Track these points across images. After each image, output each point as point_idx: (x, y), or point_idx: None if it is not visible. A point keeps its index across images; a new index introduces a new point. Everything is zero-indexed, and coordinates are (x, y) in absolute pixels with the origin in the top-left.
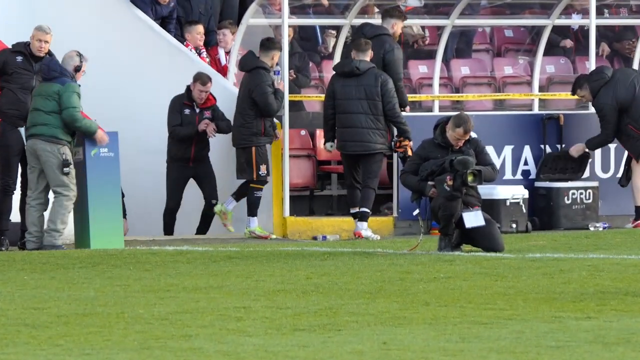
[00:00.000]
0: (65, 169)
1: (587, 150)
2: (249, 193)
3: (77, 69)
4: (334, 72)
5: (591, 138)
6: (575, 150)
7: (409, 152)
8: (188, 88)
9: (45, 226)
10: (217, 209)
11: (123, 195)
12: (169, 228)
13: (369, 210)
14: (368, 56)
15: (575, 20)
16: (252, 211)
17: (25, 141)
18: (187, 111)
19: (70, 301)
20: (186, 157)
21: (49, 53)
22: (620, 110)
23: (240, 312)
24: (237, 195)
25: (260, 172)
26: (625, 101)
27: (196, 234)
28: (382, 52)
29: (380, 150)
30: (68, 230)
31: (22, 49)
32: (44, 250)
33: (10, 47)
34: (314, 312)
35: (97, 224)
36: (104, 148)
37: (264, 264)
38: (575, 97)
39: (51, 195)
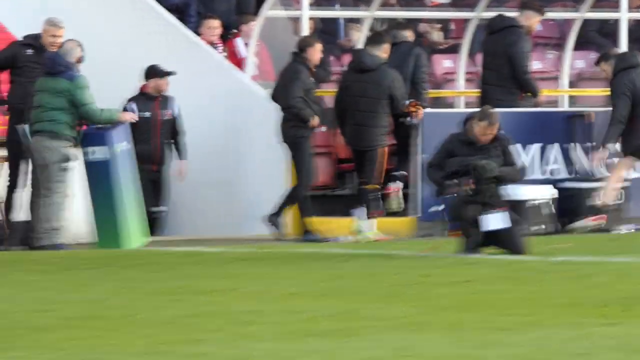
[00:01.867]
0: (63, 165)
1: (605, 148)
2: (365, 195)
3: (80, 60)
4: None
5: (604, 134)
6: (597, 159)
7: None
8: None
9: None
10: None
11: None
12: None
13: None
14: (383, 50)
15: (606, 14)
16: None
17: (30, 138)
18: None
19: (75, 303)
20: None
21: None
22: (633, 100)
23: (252, 316)
24: None
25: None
26: (637, 92)
27: None
28: (507, 44)
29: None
30: (76, 228)
31: (33, 41)
32: (45, 251)
33: (20, 39)
34: (328, 317)
35: (131, 222)
36: (122, 142)
37: (278, 266)
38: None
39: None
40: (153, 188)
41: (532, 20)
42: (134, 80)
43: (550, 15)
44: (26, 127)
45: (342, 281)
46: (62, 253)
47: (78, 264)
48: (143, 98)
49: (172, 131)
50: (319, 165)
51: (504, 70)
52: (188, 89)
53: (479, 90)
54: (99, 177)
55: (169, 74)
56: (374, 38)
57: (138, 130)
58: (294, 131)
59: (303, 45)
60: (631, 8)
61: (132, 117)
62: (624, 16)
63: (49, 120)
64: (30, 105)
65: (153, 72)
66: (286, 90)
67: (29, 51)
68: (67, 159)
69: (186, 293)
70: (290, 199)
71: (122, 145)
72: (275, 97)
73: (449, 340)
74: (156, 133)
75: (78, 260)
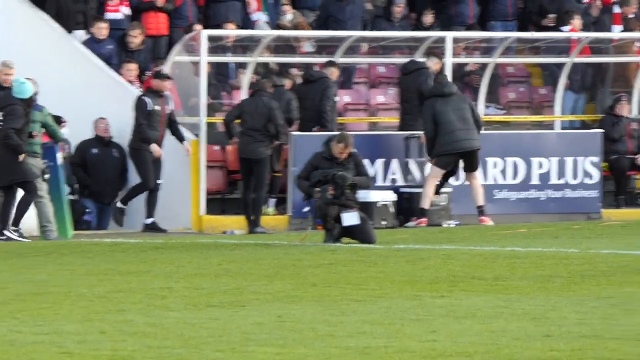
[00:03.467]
0: (45, 176)
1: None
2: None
3: (36, 94)
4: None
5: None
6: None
7: None
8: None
9: (42, 225)
10: None
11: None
12: None
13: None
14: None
15: (298, 59)
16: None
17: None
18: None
19: (26, 283)
20: None
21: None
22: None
23: (165, 291)
24: None
25: None
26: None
27: None
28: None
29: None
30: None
31: None
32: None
33: None
34: (224, 292)
35: (67, 217)
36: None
37: (184, 252)
38: None
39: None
40: (155, 166)
41: (436, 64)
42: (74, 108)
43: (392, 60)
44: None
45: (234, 264)
46: (16, 243)
47: (27, 252)
48: (152, 94)
49: (169, 122)
50: (214, 175)
51: (414, 102)
52: (115, 114)
53: (398, 117)
54: (52, 182)
55: (169, 77)
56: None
57: (151, 120)
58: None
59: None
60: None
61: (157, 151)
62: (448, 60)
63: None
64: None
65: (158, 75)
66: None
67: None
68: (43, 170)
69: (113, 274)
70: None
71: (59, 158)
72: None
73: (317, 310)
74: (161, 123)
75: (27, 249)
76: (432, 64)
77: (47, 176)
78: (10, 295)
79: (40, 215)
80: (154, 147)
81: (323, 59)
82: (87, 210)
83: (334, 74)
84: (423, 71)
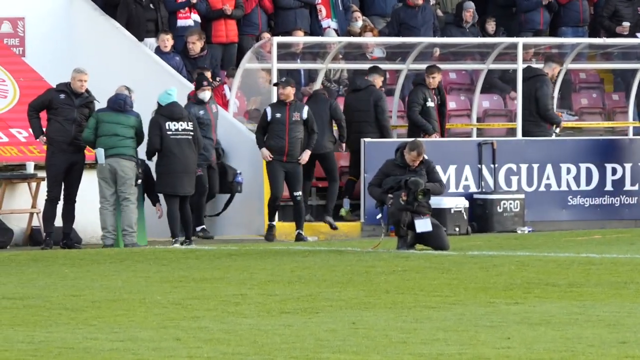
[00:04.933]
0: (138, 181)
1: None
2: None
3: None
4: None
5: None
6: None
7: None
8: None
9: (123, 229)
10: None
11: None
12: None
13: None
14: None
15: (504, 65)
16: None
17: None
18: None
19: (102, 290)
20: None
21: (87, 90)
22: None
23: (238, 298)
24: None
25: None
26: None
27: None
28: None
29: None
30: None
31: (64, 87)
32: (124, 248)
33: (54, 86)
34: (297, 298)
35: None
36: None
37: (258, 259)
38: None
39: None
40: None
41: (555, 70)
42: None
43: (462, 66)
44: (101, 150)
45: (307, 271)
46: (90, 251)
47: (103, 259)
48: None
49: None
50: None
51: (532, 108)
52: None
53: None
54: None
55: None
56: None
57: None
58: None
59: None
60: (526, 60)
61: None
62: (519, 67)
63: (124, 146)
64: (99, 134)
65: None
66: None
67: (62, 95)
68: (139, 176)
69: (187, 281)
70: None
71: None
72: None
73: (391, 316)
74: (286, 132)
75: (103, 256)
76: (550, 70)
77: (139, 181)
78: (85, 302)
79: (125, 219)
80: (264, 151)
81: (394, 66)
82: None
83: (377, 80)
84: (540, 77)
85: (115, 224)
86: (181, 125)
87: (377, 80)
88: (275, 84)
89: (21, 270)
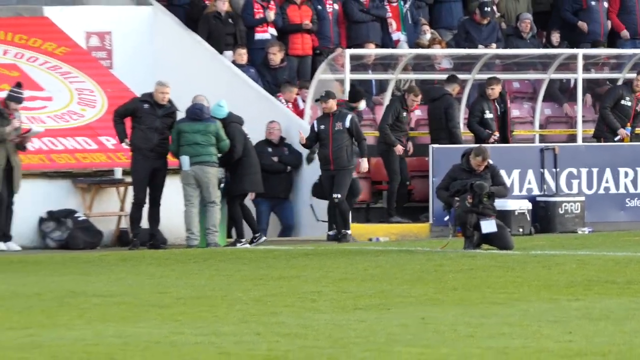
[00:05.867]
0: (220, 185)
1: None
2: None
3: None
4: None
5: None
6: None
7: None
8: None
9: (207, 229)
10: None
11: None
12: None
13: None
14: None
15: (565, 75)
16: None
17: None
18: None
19: (186, 287)
20: None
21: (169, 101)
22: None
23: (315, 295)
24: None
25: None
26: None
27: None
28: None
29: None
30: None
31: (148, 98)
32: (207, 248)
33: (139, 96)
34: (370, 295)
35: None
36: None
37: (332, 259)
38: (568, 132)
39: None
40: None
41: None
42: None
43: (525, 76)
44: (186, 158)
45: (379, 269)
46: (175, 251)
47: (187, 259)
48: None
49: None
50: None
51: None
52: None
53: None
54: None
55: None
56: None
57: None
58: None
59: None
60: (585, 70)
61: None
62: (579, 76)
63: (207, 153)
64: (181, 143)
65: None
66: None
67: (146, 105)
68: (221, 180)
69: (266, 279)
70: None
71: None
72: None
73: (459, 312)
74: (330, 141)
75: (187, 256)
76: (451, 89)
77: (222, 185)
78: (171, 299)
79: (209, 220)
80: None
81: (461, 76)
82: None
83: (455, 89)
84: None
85: (199, 225)
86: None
87: (455, 89)
88: (316, 100)
89: (110, 269)
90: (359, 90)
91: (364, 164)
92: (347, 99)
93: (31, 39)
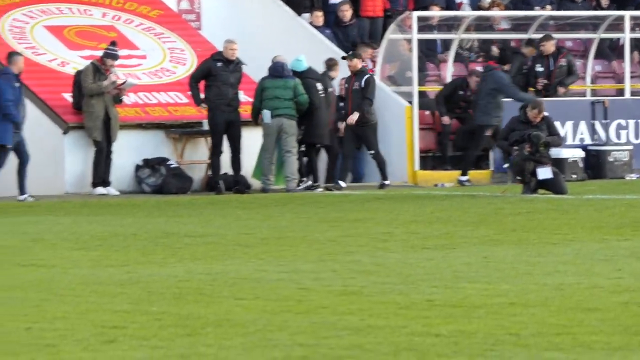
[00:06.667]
0: (298, 136)
1: None
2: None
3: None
4: None
5: None
6: None
7: None
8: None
9: (286, 176)
10: None
11: None
12: None
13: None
14: None
15: (614, 35)
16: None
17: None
18: None
19: (269, 228)
20: None
21: (237, 58)
22: None
23: (386, 236)
24: None
25: None
26: None
27: None
28: None
29: None
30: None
31: (219, 56)
32: (287, 193)
33: (210, 56)
34: (436, 236)
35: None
36: None
37: (402, 203)
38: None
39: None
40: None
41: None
42: None
43: (577, 35)
44: (268, 112)
45: (444, 212)
46: (258, 195)
47: (269, 202)
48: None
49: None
50: (425, 137)
51: None
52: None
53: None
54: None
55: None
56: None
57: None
58: None
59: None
60: (632, 30)
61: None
62: (627, 36)
63: (286, 107)
64: (263, 98)
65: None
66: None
67: (219, 64)
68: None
69: (342, 221)
70: None
71: None
72: None
73: (517, 252)
74: (349, 99)
75: (269, 200)
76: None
77: (299, 137)
78: (256, 240)
79: (288, 167)
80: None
81: (517, 36)
82: None
83: (531, 52)
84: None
85: (274, 172)
86: (319, 85)
87: (532, 52)
88: (343, 57)
89: (200, 212)
90: (508, 54)
91: (353, 116)
92: (497, 60)
93: (127, 2)
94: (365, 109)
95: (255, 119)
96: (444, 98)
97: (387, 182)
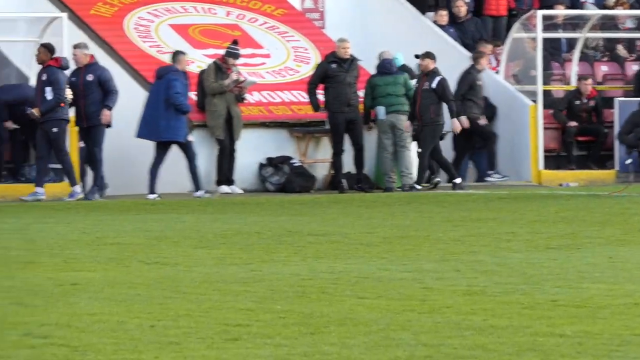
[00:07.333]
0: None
1: None
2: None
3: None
4: None
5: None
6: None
7: None
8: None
9: (401, 171)
10: None
11: None
12: None
13: None
14: None
15: (622, 35)
16: None
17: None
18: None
19: (392, 227)
20: None
21: (351, 55)
22: None
23: (509, 235)
24: None
25: None
26: None
27: None
28: None
29: None
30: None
31: (333, 57)
32: (407, 192)
33: (324, 58)
34: (560, 236)
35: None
36: None
37: (526, 202)
38: None
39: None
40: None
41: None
42: None
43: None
44: (382, 108)
45: (569, 212)
46: (381, 194)
47: (392, 201)
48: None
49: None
50: (550, 136)
51: None
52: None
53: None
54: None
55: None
56: None
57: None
58: None
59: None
60: None
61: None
62: None
63: (399, 103)
64: (375, 96)
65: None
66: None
67: (333, 65)
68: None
69: (465, 221)
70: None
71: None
72: None
73: None
74: (418, 99)
75: (392, 199)
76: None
77: (412, 132)
78: (378, 239)
79: (403, 163)
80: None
81: (568, 35)
82: None
83: None
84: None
85: (395, 169)
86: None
87: None
88: (415, 56)
89: (323, 210)
90: None
91: (455, 124)
92: None
93: (251, 1)
94: (453, 114)
95: (367, 119)
96: (561, 110)
97: (457, 181)
